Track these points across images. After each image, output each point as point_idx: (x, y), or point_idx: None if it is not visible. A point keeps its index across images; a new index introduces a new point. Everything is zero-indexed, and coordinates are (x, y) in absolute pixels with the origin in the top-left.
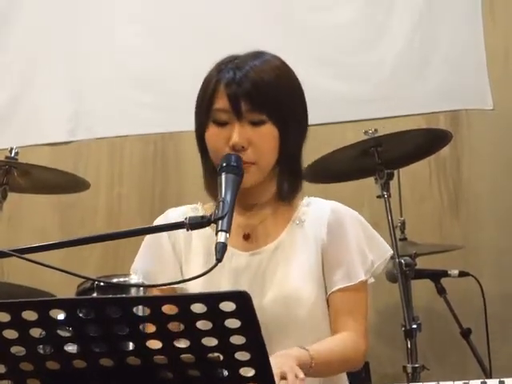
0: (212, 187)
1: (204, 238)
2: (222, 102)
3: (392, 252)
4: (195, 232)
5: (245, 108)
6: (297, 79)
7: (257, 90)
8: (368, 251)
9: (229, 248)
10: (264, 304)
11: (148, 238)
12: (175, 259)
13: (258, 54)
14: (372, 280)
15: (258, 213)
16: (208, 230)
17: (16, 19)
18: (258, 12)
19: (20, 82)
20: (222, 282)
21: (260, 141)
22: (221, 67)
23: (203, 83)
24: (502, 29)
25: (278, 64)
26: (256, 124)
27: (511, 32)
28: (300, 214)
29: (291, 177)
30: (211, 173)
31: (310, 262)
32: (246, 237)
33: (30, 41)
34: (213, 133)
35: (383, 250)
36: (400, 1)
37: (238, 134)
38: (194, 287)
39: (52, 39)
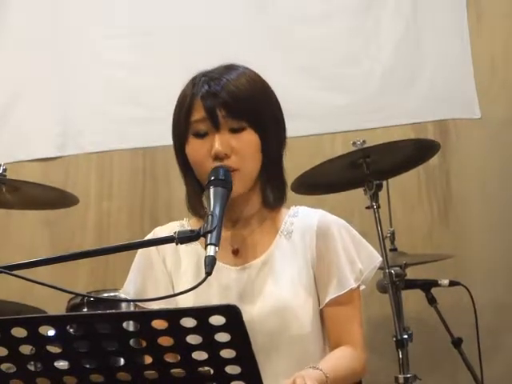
0: (195, 204)
1: (192, 254)
2: (199, 114)
3: (381, 259)
4: (183, 249)
5: (222, 116)
6: (271, 89)
7: (233, 99)
8: (357, 259)
9: (217, 263)
10: (254, 317)
11: (138, 257)
12: (166, 276)
13: (231, 67)
14: (363, 287)
15: (245, 226)
16: (195, 246)
17: (3, 35)
18: (246, 25)
19: (8, 98)
20: (211, 297)
21: (242, 147)
22: (195, 81)
23: (178, 99)
24: (489, 38)
25: (253, 76)
26: (236, 131)
27: (497, 42)
28: (287, 225)
29: (275, 184)
30: (195, 189)
31: (300, 273)
32: (235, 252)
33: (18, 56)
34: (193, 146)
35: (372, 258)
36: (387, 13)
37: (219, 142)
38: (184, 303)
39: (40, 54)
